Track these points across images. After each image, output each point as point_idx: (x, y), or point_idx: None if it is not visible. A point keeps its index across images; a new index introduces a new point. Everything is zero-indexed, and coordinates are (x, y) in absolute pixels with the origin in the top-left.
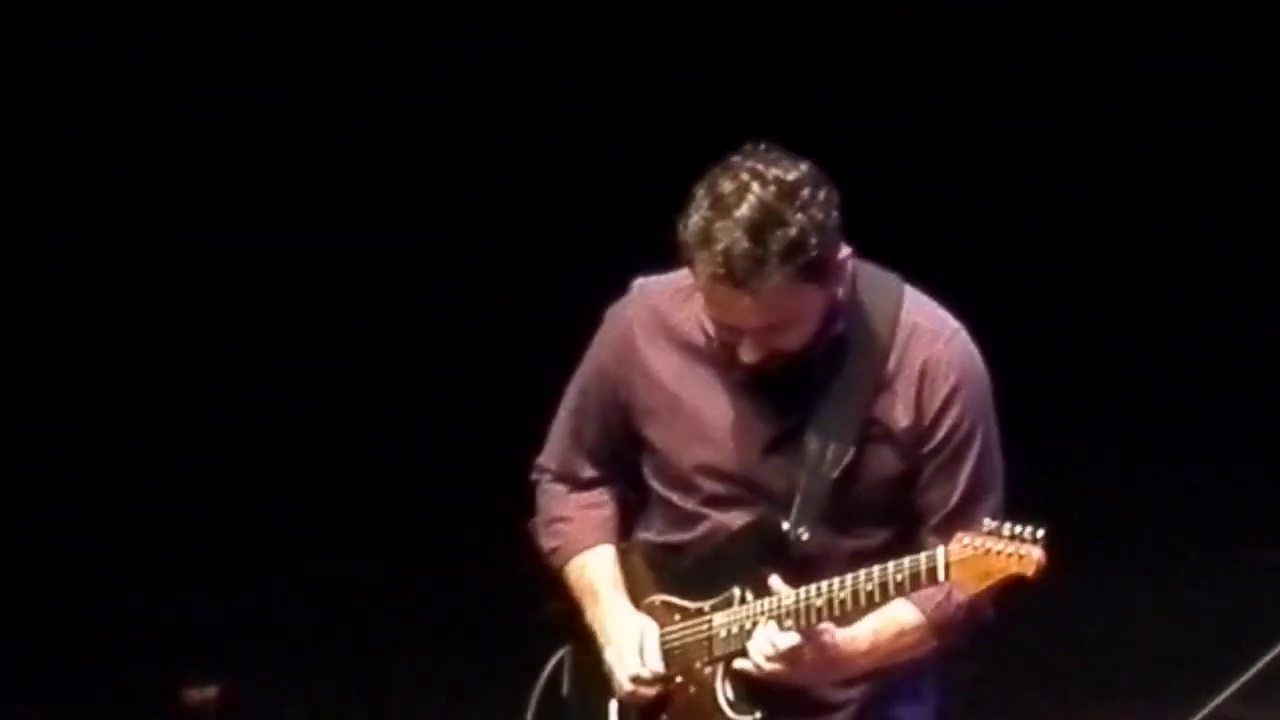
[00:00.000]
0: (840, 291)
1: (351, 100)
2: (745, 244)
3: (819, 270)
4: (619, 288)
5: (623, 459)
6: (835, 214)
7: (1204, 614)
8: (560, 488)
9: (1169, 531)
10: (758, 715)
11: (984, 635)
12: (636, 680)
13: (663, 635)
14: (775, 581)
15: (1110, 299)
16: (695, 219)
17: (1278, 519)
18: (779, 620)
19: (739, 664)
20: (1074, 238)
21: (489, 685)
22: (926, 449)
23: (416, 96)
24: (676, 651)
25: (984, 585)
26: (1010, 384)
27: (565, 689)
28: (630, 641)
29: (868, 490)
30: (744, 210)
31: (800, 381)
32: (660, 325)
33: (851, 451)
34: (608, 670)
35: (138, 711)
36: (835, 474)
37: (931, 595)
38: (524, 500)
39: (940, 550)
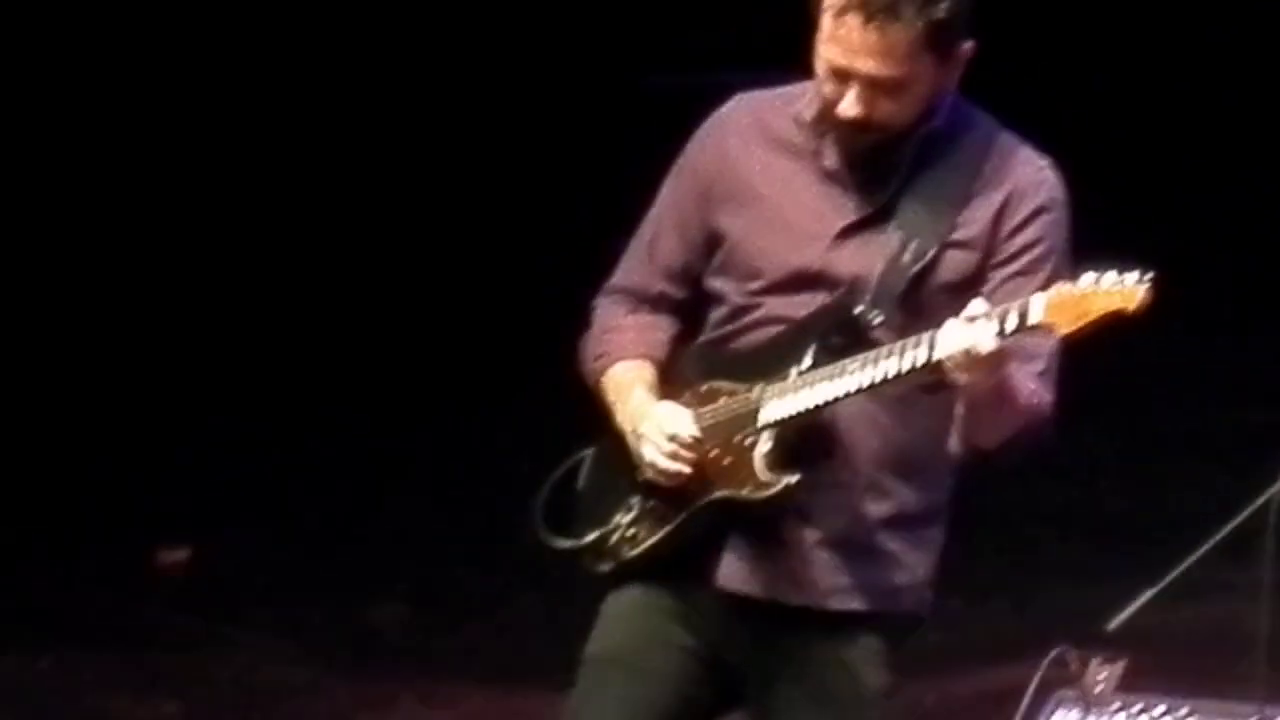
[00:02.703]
0: (949, 84)
1: None
2: None
3: (943, 41)
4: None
5: (693, 276)
6: (972, 1)
7: (1205, 475)
8: (621, 306)
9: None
10: (796, 478)
11: (1041, 432)
12: (674, 439)
13: (708, 412)
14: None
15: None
16: None
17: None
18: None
19: (938, 354)
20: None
21: (464, 544)
22: (997, 259)
23: None
24: (722, 424)
25: (1080, 324)
26: None
27: (581, 482)
28: (666, 415)
29: (936, 290)
30: None
31: (885, 174)
32: (755, 125)
33: (934, 250)
34: (638, 456)
35: (109, 574)
36: (915, 269)
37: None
38: (495, 348)
39: (1037, 295)
